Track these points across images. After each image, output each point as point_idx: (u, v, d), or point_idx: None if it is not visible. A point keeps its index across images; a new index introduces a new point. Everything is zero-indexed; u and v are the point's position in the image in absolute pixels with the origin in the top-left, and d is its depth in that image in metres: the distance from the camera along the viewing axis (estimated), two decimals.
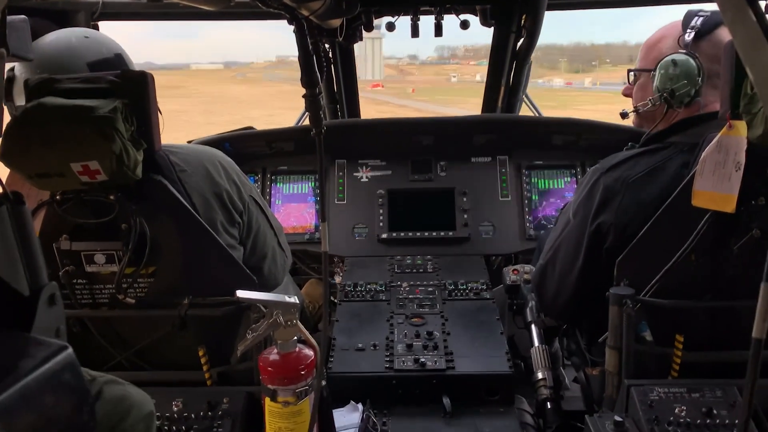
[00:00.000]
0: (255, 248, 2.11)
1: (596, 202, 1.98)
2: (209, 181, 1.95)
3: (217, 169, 2.00)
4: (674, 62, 1.96)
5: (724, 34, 1.91)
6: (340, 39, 3.12)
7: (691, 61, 1.94)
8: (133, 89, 1.69)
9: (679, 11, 2.08)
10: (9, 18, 1.17)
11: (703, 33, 1.96)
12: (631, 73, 2.17)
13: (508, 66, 3.59)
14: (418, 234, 3.24)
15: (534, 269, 2.50)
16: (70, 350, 0.75)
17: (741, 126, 1.57)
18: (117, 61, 1.98)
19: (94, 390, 1.17)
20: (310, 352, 1.51)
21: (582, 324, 2.36)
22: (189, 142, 3.25)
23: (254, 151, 3.45)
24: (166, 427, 1.65)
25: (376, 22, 3.25)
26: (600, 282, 1.93)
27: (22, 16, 1.66)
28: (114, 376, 1.30)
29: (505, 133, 3.40)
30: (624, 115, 2.23)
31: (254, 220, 2.10)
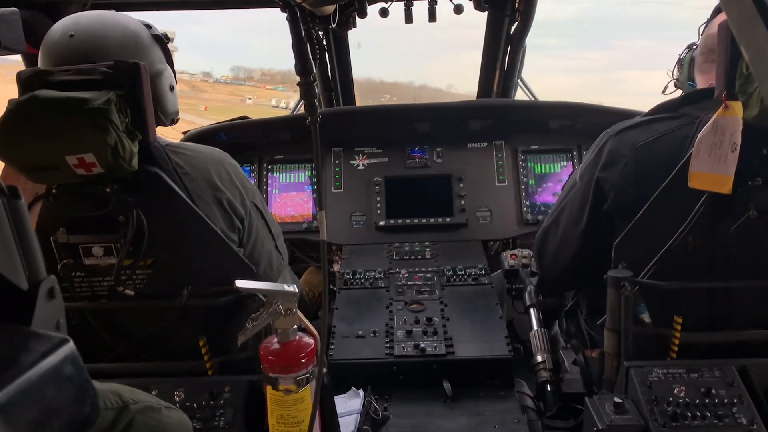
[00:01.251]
0: (252, 253, 2.10)
1: (602, 163, 1.99)
2: (212, 186, 1.93)
3: (221, 175, 1.98)
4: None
5: (720, 18, 1.93)
6: (334, 26, 3.09)
7: (686, 49, 2.11)
8: (127, 80, 1.68)
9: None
10: (0, 10, 1.16)
11: (709, 20, 2.02)
12: None
13: (502, 50, 3.57)
14: (416, 221, 3.24)
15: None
16: (71, 343, 0.75)
17: (737, 106, 1.57)
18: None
19: (125, 420, 1.11)
20: (310, 340, 1.52)
21: (578, 293, 2.38)
22: (184, 132, 3.23)
23: (250, 140, 3.44)
24: None
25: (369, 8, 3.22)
26: (600, 249, 1.93)
27: (13, 8, 1.64)
28: (150, 401, 1.22)
29: (501, 118, 3.40)
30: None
31: (254, 226, 2.09)
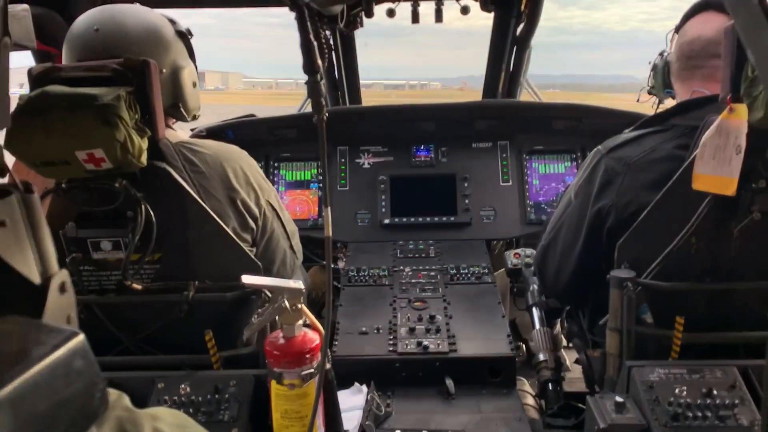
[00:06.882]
0: (267, 251, 2.11)
1: (597, 184, 1.99)
2: (226, 185, 1.95)
3: (237, 174, 1.99)
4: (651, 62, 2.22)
5: (692, 24, 1.99)
6: (341, 26, 3.11)
7: (658, 57, 2.16)
8: (136, 77, 1.70)
9: None
10: (10, 7, 1.17)
11: (678, 27, 2.06)
12: None
13: (508, 51, 3.58)
14: (420, 219, 3.25)
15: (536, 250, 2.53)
16: (81, 336, 0.76)
17: (742, 109, 1.57)
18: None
19: None
20: (315, 336, 1.53)
21: (583, 305, 2.38)
22: (192, 129, 3.25)
23: (257, 138, 3.45)
24: None
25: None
26: (601, 263, 1.94)
27: (24, 5, 1.66)
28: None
29: (506, 119, 3.41)
30: None
31: (269, 225, 2.10)
